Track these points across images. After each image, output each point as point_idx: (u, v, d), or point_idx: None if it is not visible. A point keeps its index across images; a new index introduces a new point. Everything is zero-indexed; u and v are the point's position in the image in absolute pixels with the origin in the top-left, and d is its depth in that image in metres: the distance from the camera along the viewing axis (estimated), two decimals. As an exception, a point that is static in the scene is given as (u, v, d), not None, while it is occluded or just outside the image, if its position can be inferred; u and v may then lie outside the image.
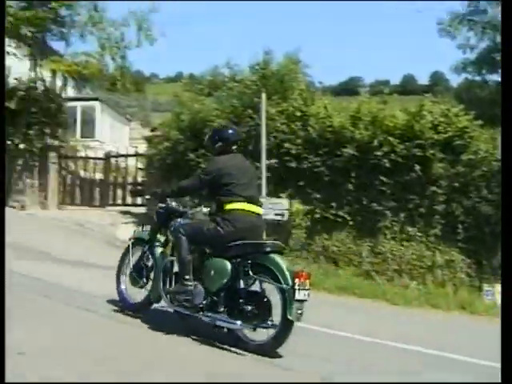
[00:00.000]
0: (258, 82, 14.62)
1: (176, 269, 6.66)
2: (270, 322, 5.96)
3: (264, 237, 6.81)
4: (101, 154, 20.05)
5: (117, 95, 30.76)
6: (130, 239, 7.47)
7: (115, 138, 31.56)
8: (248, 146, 13.47)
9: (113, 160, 18.94)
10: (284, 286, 5.79)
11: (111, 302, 7.46)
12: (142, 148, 18.59)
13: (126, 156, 19.05)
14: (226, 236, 6.22)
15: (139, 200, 17.76)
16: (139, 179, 18.34)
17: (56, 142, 18.35)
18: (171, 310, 6.73)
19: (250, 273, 6.08)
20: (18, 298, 7.05)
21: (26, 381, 4.62)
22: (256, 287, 6.16)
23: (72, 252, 11.78)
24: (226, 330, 6.15)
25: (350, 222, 12.98)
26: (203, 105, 14.62)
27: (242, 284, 6.13)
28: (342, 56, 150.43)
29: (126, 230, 14.69)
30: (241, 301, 6.04)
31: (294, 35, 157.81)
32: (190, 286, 6.29)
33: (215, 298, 6.21)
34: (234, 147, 6.76)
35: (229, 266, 6.13)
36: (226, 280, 6.12)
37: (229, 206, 6.31)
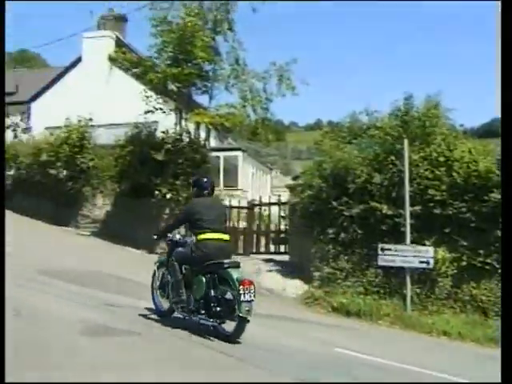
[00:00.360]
0: (399, 127, 14.48)
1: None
2: (236, 319, 7.94)
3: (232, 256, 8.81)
4: (243, 203, 20.41)
5: (258, 144, 31.39)
6: (155, 263, 9.62)
7: (257, 186, 32.16)
8: (391, 193, 13.36)
9: (256, 208, 19.30)
10: (234, 292, 7.91)
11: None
12: (285, 196, 18.80)
13: (269, 204, 19.33)
14: (198, 258, 8.38)
15: (282, 248, 17.95)
16: (282, 227, 18.52)
17: (201, 192, 18.89)
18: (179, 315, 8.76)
19: (218, 284, 8.18)
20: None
21: (26, 381, 4.77)
22: (229, 295, 8.04)
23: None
24: (211, 327, 8.22)
25: (500, 270, 12.48)
26: (345, 152, 14.59)
27: (213, 293, 8.18)
28: (483, 96, 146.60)
29: (271, 278, 14.81)
30: (213, 305, 8.12)
31: (433, 79, 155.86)
32: (183, 296, 8.49)
33: (199, 303, 8.31)
34: (206, 191, 8.95)
35: (204, 280, 8.28)
36: (203, 290, 8.25)
37: (200, 236, 8.48)
